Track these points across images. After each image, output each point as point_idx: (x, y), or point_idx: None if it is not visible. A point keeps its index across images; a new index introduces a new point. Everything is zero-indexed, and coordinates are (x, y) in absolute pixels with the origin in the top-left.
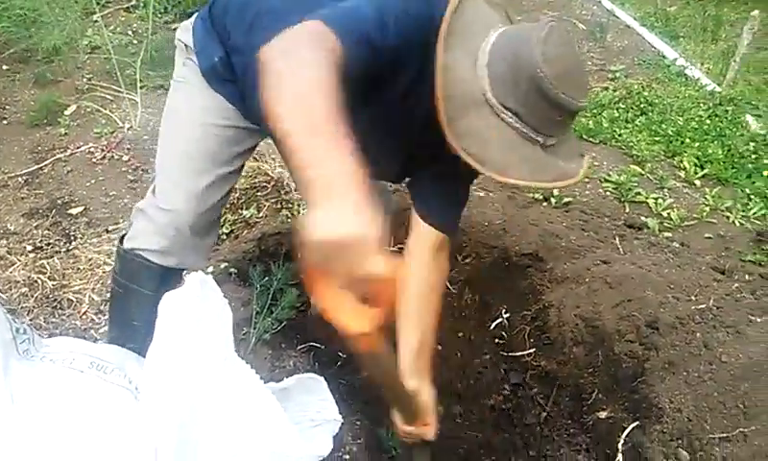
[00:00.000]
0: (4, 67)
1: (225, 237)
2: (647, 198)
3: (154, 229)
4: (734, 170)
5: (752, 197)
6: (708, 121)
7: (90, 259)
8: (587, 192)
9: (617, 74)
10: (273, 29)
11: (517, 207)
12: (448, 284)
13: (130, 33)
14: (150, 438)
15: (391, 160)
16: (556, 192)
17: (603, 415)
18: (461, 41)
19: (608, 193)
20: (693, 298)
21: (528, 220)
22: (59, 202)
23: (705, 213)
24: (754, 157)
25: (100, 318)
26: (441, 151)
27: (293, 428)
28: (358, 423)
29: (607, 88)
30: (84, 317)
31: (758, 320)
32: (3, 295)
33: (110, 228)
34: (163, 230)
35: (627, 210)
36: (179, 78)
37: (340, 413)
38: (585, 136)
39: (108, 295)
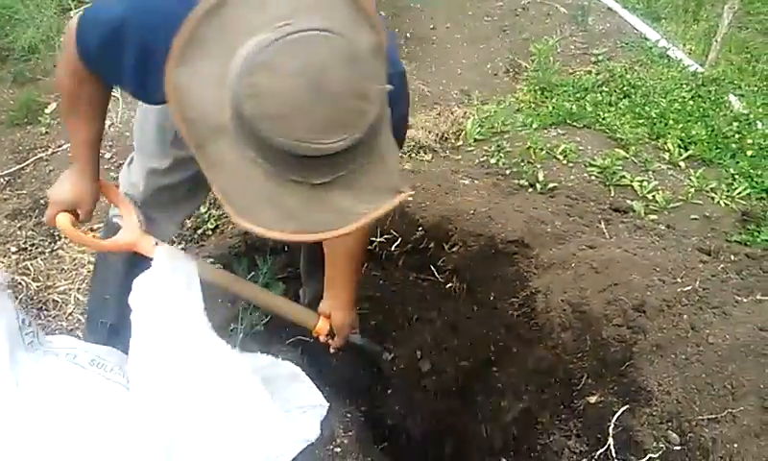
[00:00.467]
0: None
1: (210, 233)
2: (632, 181)
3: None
4: (718, 150)
5: (736, 177)
6: (691, 102)
7: (75, 259)
8: (572, 177)
9: (600, 57)
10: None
11: (503, 195)
12: (435, 273)
13: None
14: (149, 433)
15: None
16: (541, 178)
17: (593, 400)
18: (211, 50)
19: (593, 177)
20: (679, 280)
21: (514, 207)
22: (42, 202)
23: (690, 195)
24: (737, 136)
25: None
26: None
27: (280, 414)
28: (349, 414)
29: (590, 72)
30: (69, 318)
31: (744, 300)
32: None
33: (95, 226)
34: (132, 202)
35: (612, 194)
36: None
37: (328, 403)
38: (568, 121)
39: None
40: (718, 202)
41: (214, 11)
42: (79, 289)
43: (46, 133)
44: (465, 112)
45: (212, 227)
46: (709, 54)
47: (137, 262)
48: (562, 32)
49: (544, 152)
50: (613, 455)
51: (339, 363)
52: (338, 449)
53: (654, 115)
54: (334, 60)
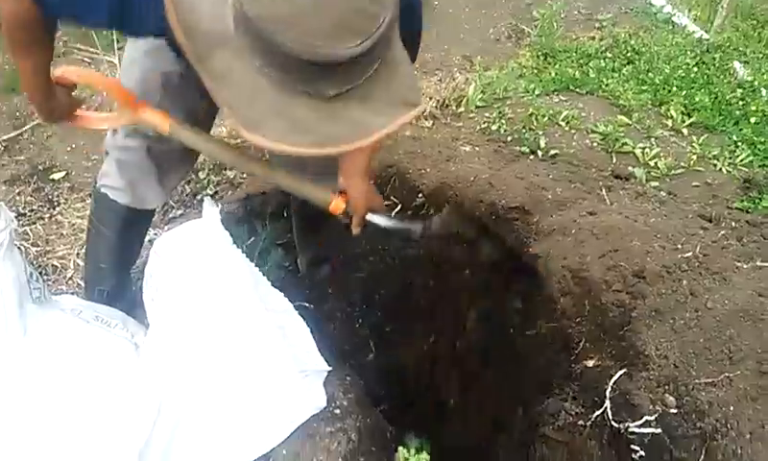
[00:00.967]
0: None
1: (208, 197)
2: (634, 148)
3: (112, 167)
4: (722, 117)
5: (739, 144)
6: (695, 69)
7: (74, 225)
8: (573, 143)
9: (604, 23)
10: None
11: (504, 161)
12: None
13: None
14: (155, 380)
15: None
16: (542, 144)
17: (590, 363)
18: None
19: (595, 144)
20: (680, 246)
21: (515, 173)
22: (40, 167)
23: (692, 162)
24: (741, 103)
25: None
26: None
27: (299, 381)
28: (348, 377)
29: (593, 38)
30: (69, 282)
31: (744, 266)
32: None
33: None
34: (119, 168)
35: (614, 161)
36: None
37: (329, 367)
38: (571, 87)
39: None
40: (720, 169)
41: None
42: (78, 254)
43: None
44: (466, 78)
45: (211, 192)
46: (715, 20)
47: (128, 230)
48: None
49: (546, 118)
50: (610, 418)
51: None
52: (337, 411)
53: (657, 82)
54: None
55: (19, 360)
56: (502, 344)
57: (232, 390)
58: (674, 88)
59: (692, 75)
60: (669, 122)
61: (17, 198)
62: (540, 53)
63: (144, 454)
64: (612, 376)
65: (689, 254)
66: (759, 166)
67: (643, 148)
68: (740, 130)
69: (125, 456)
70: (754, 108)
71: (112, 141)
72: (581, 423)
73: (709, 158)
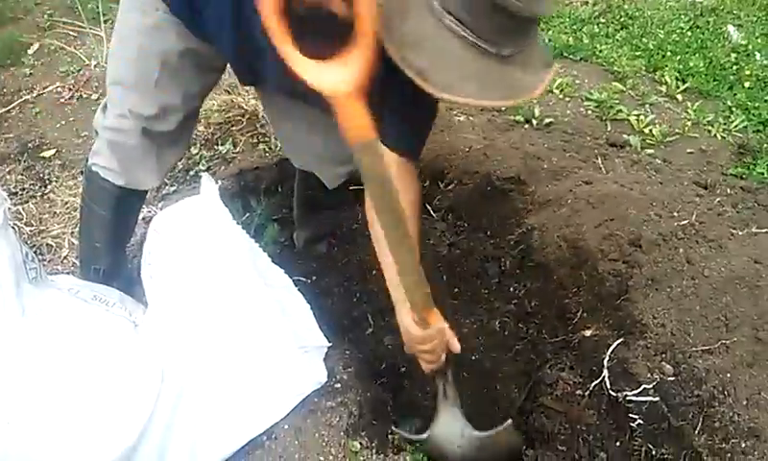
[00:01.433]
0: None
1: (202, 174)
2: (629, 115)
3: (104, 147)
4: (716, 82)
5: (733, 109)
6: (689, 33)
7: (67, 203)
8: (568, 112)
9: None
10: None
11: (499, 131)
12: (431, 211)
13: None
14: (156, 357)
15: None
16: (537, 113)
17: (588, 333)
18: None
19: (589, 112)
20: (675, 214)
21: (509, 143)
22: (30, 145)
23: (687, 128)
24: (735, 68)
25: None
26: (392, 79)
27: (299, 356)
28: (348, 352)
29: (587, 3)
30: (65, 261)
31: (740, 233)
32: None
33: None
34: (112, 149)
35: (609, 128)
36: None
37: (329, 342)
38: (565, 54)
39: None
40: (715, 135)
41: None
42: (72, 233)
43: (30, 74)
44: None
45: (204, 168)
46: None
47: (122, 210)
48: None
49: None
50: (608, 387)
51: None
52: (338, 385)
53: (651, 47)
54: None
55: (19, 341)
56: (500, 314)
57: (233, 366)
58: (668, 53)
59: (686, 39)
60: (663, 88)
61: (8, 176)
62: None
63: (146, 432)
64: (609, 345)
65: (685, 221)
66: (754, 132)
67: (638, 115)
68: (734, 95)
69: (127, 435)
70: (748, 72)
71: (103, 121)
72: (579, 392)
73: (704, 124)
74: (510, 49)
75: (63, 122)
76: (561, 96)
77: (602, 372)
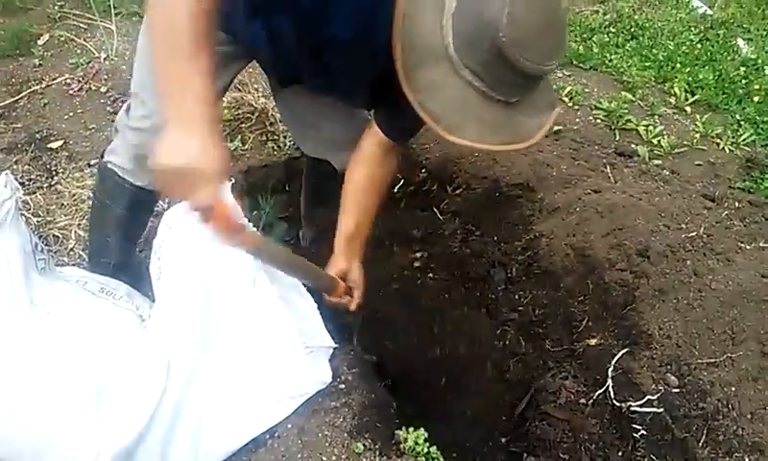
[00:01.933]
0: None
1: None
2: (638, 125)
3: (125, 147)
4: (725, 96)
5: (742, 123)
6: (698, 45)
7: (74, 195)
8: (577, 120)
9: None
10: None
11: None
12: (439, 215)
13: None
14: (162, 351)
15: (358, 91)
16: None
17: (593, 342)
18: None
19: (598, 121)
20: (684, 226)
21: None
22: (37, 136)
23: (695, 140)
24: (744, 82)
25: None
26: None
27: (304, 356)
28: (352, 352)
29: (597, 12)
30: (71, 253)
31: (748, 247)
32: None
33: (92, 162)
34: (134, 150)
35: (617, 138)
36: None
37: (335, 343)
38: (575, 62)
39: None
40: (723, 148)
41: None
42: (79, 225)
43: (40, 64)
44: None
45: None
46: None
47: (137, 208)
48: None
49: None
50: (612, 396)
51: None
52: (342, 386)
53: (661, 58)
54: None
55: (27, 331)
56: (505, 320)
57: (238, 364)
58: (678, 65)
59: (696, 51)
60: (672, 99)
61: (15, 166)
62: None
63: (151, 425)
64: (614, 354)
65: (693, 233)
66: (762, 146)
67: (647, 125)
68: (743, 108)
69: (131, 428)
70: (757, 86)
71: (126, 121)
72: (582, 401)
73: (712, 137)
74: (515, 98)
75: (72, 114)
76: (570, 104)
77: (606, 381)
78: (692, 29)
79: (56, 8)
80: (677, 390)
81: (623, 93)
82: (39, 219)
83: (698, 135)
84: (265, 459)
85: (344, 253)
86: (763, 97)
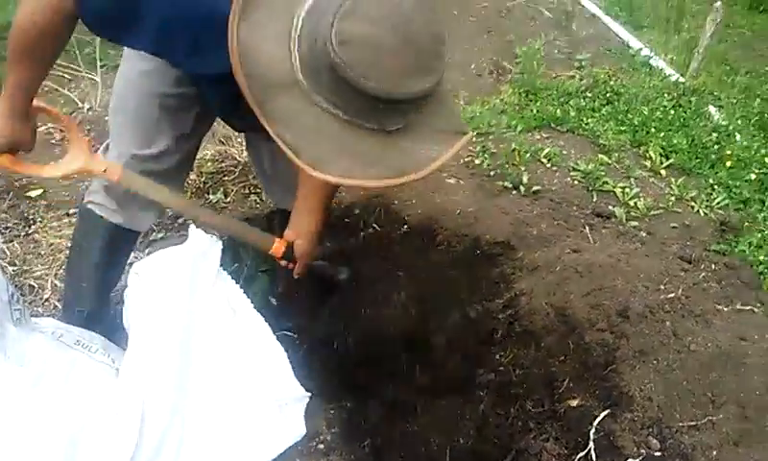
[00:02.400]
0: None
1: (191, 223)
2: (614, 187)
3: (103, 187)
4: (698, 160)
5: (715, 187)
6: (672, 111)
7: (51, 244)
8: (555, 181)
9: (583, 63)
10: None
11: (488, 195)
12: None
13: None
14: (134, 411)
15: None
16: (525, 180)
17: (574, 403)
18: (274, 5)
19: (576, 182)
20: (662, 287)
21: (499, 208)
22: (16, 184)
23: (670, 203)
24: (716, 147)
25: None
26: None
27: (276, 410)
28: (332, 411)
29: (573, 77)
30: (46, 304)
31: (725, 309)
32: None
33: (71, 211)
34: (111, 189)
35: (595, 199)
36: None
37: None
38: (552, 125)
39: None
40: (698, 211)
41: None
42: (56, 275)
43: None
44: None
45: None
46: (691, 64)
47: (114, 250)
48: (546, 36)
49: (529, 155)
50: (594, 459)
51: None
52: (321, 446)
53: (636, 123)
54: (415, 4)
55: (1, 384)
56: (484, 382)
57: (210, 420)
58: (652, 130)
59: (669, 117)
60: (648, 163)
61: None
62: (521, 90)
63: None
64: (595, 416)
65: (672, 295)
66: (735, 210)
67: (623, 188)
68: (716, 173)
69: None
70: (729, 152)
71: (103, 160)
72: None
73: (687, 200)
74: (394, 126)
75: (52, 163)
76: (548, 165)
77: (588, 444)
78: (665, 95)
79: None
80: (658, 453)
81: (600, 156)
82: (15, 268)
83: (673, 198)
84: None
85: (292, 225)
86: (735, 162)
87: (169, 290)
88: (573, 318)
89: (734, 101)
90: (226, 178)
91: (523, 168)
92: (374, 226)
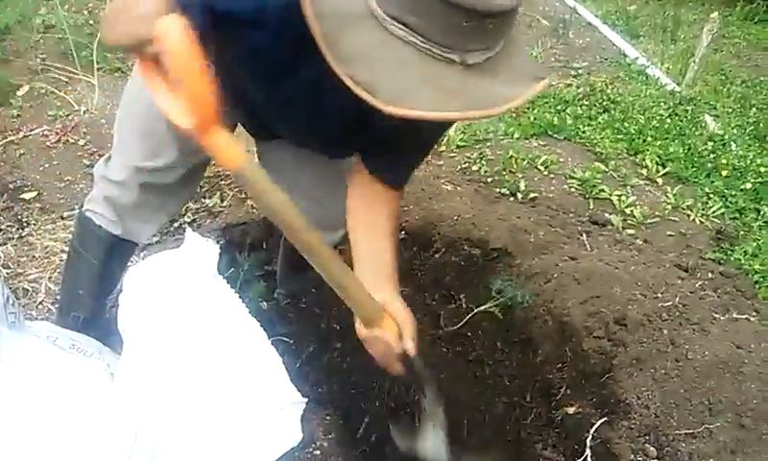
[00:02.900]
0: None
1: (187, 226)
2: (611, 195)
3: (103, 197)
4: (694, 169)
5: (711, 196)
6: (668, 120)
7: (46, 247)
8: (552, 188)
9: (580, 71)
10: None
11: (486, 202)
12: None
13: (86, 12)
14: (129, 416)
15: (324, 140)
16: (522, 187)
17: (571, 410)
18: None
19: (573, 189)
20: (659, 295)
21: (497, 215)
22: (11, 186)
23: (667, 211)
24: (712, 156)
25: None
26: (375, 122)
27: (274, 415)
28: (329, 417)
29: (570, 85)
30: (40, 307)
31: (722, 318)
32: None
33: (65, 214)
34: (111, 201)
35: (591, 207)
36: None
37: (312, 405)
38: (549, 132)
39: None
40: (694, 219)
41: None
42: (50, 278)
43: (18, 115)
44: None
45: (189, 220)
46: (687, 74)
47: (112, 259)
48: (543, 44)
49: (526, 162)
50: None
51: (318, 367)
52: (317, 452)
53: (633, 131)
54: None
55: None
56: (482, 389)
57: (206, 425)
58: (648, 138)
59: (666, 126)
60: (644, 171)
61: None
62: None
63: None
64: (592, 424)
65: (669, 303)
66: (731, 218)
67: (620, 196)
68: (712, 182)
69: None
70: (724, 161)
71: (104, 172)
72: None
73: (683, 209)
74: (479, 55)
75: (47, 165)
76: (545, 173)
77: (585, 451)
78: (662, 104)
79: (38, 60)
80: None
81: (596, 164)
82: (9, 271)
83: (669, 207)
84: None
85: (373, 286)
86: (731, 172)
87: (165, 294)
88: (571, 325)
89: (730, 110)
90: (222, 182)
91: (520, 175)
92: None
